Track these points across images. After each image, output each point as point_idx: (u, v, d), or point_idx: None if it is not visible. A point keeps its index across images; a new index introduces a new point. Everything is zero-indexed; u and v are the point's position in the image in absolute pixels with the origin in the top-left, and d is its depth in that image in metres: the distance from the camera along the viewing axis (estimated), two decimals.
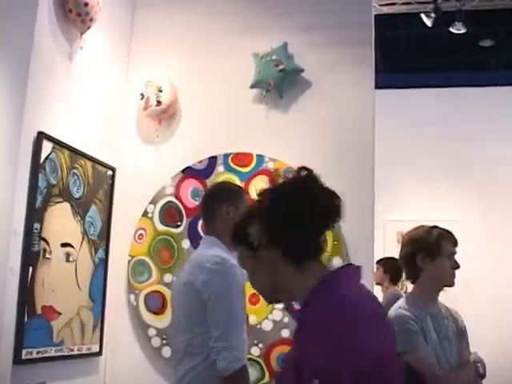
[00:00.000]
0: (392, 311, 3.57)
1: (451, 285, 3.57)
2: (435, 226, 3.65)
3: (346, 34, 5.54)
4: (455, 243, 3.63)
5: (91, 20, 5.00)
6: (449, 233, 3.64)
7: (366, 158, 5.27)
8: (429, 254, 3.56)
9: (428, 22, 7.90)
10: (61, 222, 4.79)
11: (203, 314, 3.19)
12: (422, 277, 3.60)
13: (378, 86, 5.67)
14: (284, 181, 2.23)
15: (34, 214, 4.46)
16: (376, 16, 6.05)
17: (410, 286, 3.98)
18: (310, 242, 2.11)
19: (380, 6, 7.56)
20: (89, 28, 5.05)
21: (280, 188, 2.20)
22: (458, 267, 3.56)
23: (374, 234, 5.23)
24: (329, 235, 5.14)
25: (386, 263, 7.20)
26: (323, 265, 2.16)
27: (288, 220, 2.07)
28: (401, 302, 3.63)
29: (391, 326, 2.37)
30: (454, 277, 3.58)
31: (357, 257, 5.13)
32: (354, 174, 5.25)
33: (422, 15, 7.90)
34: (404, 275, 3.81)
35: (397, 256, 6.94)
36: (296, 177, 2.21)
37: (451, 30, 8.11)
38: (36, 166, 4.51)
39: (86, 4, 4.89)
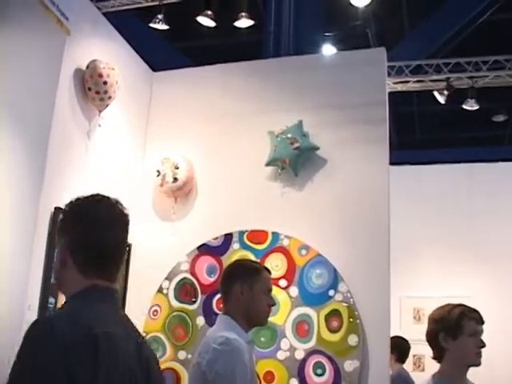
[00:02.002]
0: None
1: (476, 364, 3.48)
2: (460, 304, 3.59)
3: (361, 112, 5.60)
4: (480, 321, 3.55)
5: (110, 98, 5.11)
6: (473, 311, 3.57)
7: (382, 235, 5.24)
8: (450, 333, 3.49)
9: (441, 100, 7.97)
10: None
11: None
12: (446, 356, 3.52)
13: (392, 163, 5.67)
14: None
15: (50, 289, 4.46)
16: (390, 93, 6.11)
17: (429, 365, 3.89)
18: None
19: (394, 84, 7.65)
20: (107, 106, 5.16)
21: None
22: (484, 346, 3.47)
23: (389, 310, 5.15)
24: (344, 312, 5.09)
25: (390, 342, 7.11)
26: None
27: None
28: (427, 382, 3.56)
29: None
30: (480, 356, 3.48)
31: (373, 334, 5.07)
32: (369, 251, 5.22)
33: (435, 93, 7.98)
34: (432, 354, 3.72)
35: (404, 335, 6.93)
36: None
37: (464, 106, 8.16)
38: (52, 241, 4.52)
39: (106, 82, 5.01)
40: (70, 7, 4.74)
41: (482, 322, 3.55)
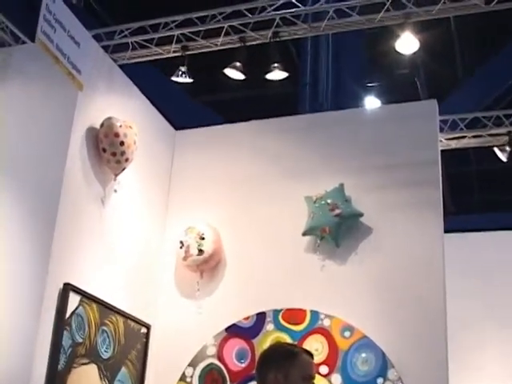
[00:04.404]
0: None
1: None
2: None
3: (410, 173, 5.61)
4: None
5: (127, 160, 5.16)
6: None
7: (437, 314, 5.17)
8: None
9: (503, 157, 7.92)
10: None
11: None
12: None
13: (447, 230, 5.63)
14: None
15: (56, 378, 4.45)
16: (443, 151, 6.11)
17: None
18: None
19: (447, 140, 7.64)
20: (124, 169, 5.21)
21: None
22: None
23: None
24: None
25: None
26: None
27: None
28: None
29: None
30: None
31: None
32: (422, 332, 5.15)
33: (496, 149, 7.94)
34: None
35: None
36: None
37: None
38: (61, 322, 4.55)
39: (122, 143, 5.06)
40: (83, 59, 4.80)
41: None
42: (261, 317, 5.53)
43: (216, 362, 5.53)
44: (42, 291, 4.49)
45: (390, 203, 5.57)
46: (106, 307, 5.03)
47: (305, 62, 10.61)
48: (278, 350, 3.63)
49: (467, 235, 9.27)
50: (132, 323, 5.35)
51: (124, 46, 6.10)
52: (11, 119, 5.01)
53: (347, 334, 5.29)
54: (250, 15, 5.89)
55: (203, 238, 5.62)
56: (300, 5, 5.81)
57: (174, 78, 6.27)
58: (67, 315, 4.61)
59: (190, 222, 5.78)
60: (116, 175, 5.22)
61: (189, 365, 5.57)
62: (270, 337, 5.40)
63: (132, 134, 5.15)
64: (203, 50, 6.13)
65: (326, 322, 5.36)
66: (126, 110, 5.51)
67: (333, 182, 5.59)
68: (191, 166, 6.20)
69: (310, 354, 3.54)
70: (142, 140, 5.37)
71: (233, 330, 5.57)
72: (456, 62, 11.36)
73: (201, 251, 5.59)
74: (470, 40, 11.09)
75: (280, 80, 6.26)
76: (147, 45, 6.12)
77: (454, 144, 7.76)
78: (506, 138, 7.71)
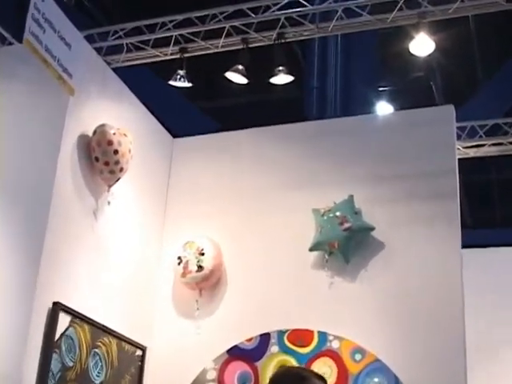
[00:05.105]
0: None
1: None
2: None
3: (425, 183, 5.60)
4: None
5: (121, 170, 5.16)
6: None
7: (455, 335, 5.15)
8: None
9: None
10: None
11: None
12: None
13: (465, 245, 5.61)
14: None
15: None
16: (460, 160, 6.10)
17: None
18: None
19: (465, 148, 7.62)
20: (118, 179, 5.21)
21: None
22: None
23: None
24: None
25: None
26: None
27: None
28: None
29: None
30: None
31: None
32: (439, 354, 5.13)
33: None
34: None
35: None
36: None
37: None
38: (49, 344, 4.54)
39: (116, 152, 5.06)
40: (75, 62, 4.80)
41: None
42: (265, 338, 5.52)
43: None
44: (30, 311, 4.48)
45: (403, 216, 5.57)
46: (98, 328, 5.02)
47: (312, 64, 10.61)
48: (286, 374, 3.61)
49: (486, 251, 9.23)
50: (126, 345, 5.34)
51: (118, 48, 6.10)
52: None
53: (358, 356, 5.28)
54: (253, 15, 5.88)
55: (203, 254, 5.61)
56: (307, 4, 5.80)
57: (171, 82, 6.26)
58: (56, 337, 4.60)
59: (188, 236, 5.79)
60: (109, 186, 5.22)
61: None
62: (274, 360, 5.39)
63: (127, 142, 5.15)
64: (203, 52, 6.13)
65: (335, 344, 5.35)
66: (121, 116, 5.51)
67: (342, 194, 5.59)
68: (190, 176, 6.20)
69: (322, 379, 3.52)
70: (138, 148, 5.37)
71: (234, 353, 5.55)
72: (475, 64, 11.34)
73: (200, 267, 5.58)
74: (489, 41, 11.08)
75: (285, 84, 6.25)
76: (143, 46, 6.11)
77: (472, 152, 7.73)
78: None
